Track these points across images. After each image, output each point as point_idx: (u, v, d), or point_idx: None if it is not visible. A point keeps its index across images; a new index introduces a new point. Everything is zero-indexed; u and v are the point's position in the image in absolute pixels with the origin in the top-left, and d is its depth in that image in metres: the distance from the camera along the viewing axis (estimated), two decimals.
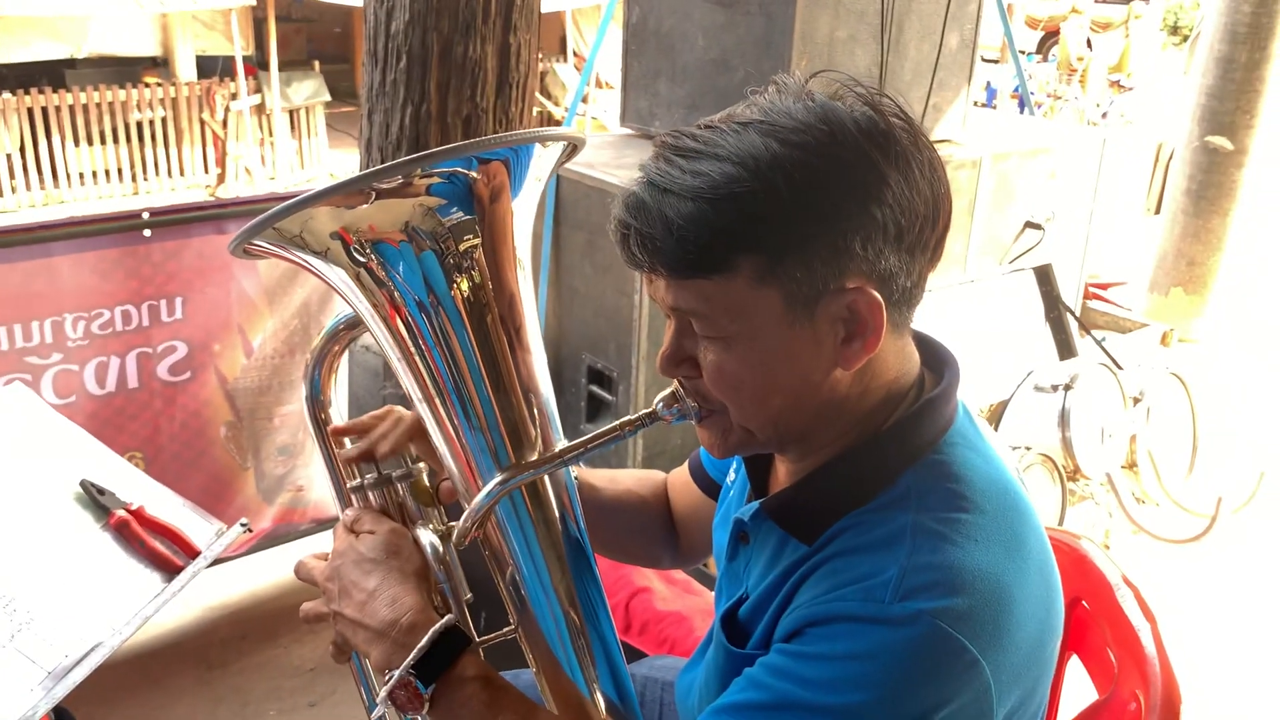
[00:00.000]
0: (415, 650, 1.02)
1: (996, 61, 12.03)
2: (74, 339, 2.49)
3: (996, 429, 3.03)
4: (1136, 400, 3.27)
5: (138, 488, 1.62)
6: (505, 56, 2.34)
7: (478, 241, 1.04)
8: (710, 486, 1.37)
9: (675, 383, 1.05)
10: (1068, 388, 3.03)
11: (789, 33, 3.31)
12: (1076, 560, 1.39)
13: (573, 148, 1.11)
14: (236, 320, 2.72)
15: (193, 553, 1.58)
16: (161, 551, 1.54)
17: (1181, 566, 3.29)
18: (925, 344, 1.09)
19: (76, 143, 8.37)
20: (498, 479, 1.05)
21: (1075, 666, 1.41)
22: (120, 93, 8.38)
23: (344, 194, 0.99)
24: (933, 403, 1.02)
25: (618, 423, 1.08)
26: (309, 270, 1.07)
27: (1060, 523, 2.90)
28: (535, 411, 1.11)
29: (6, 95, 8.06)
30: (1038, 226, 4.06)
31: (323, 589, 1.12)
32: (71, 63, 8.88)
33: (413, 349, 1.06)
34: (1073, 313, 3.84)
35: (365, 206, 0.99)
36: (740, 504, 1.19)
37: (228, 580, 2.98)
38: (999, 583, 0.93)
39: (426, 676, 1.02)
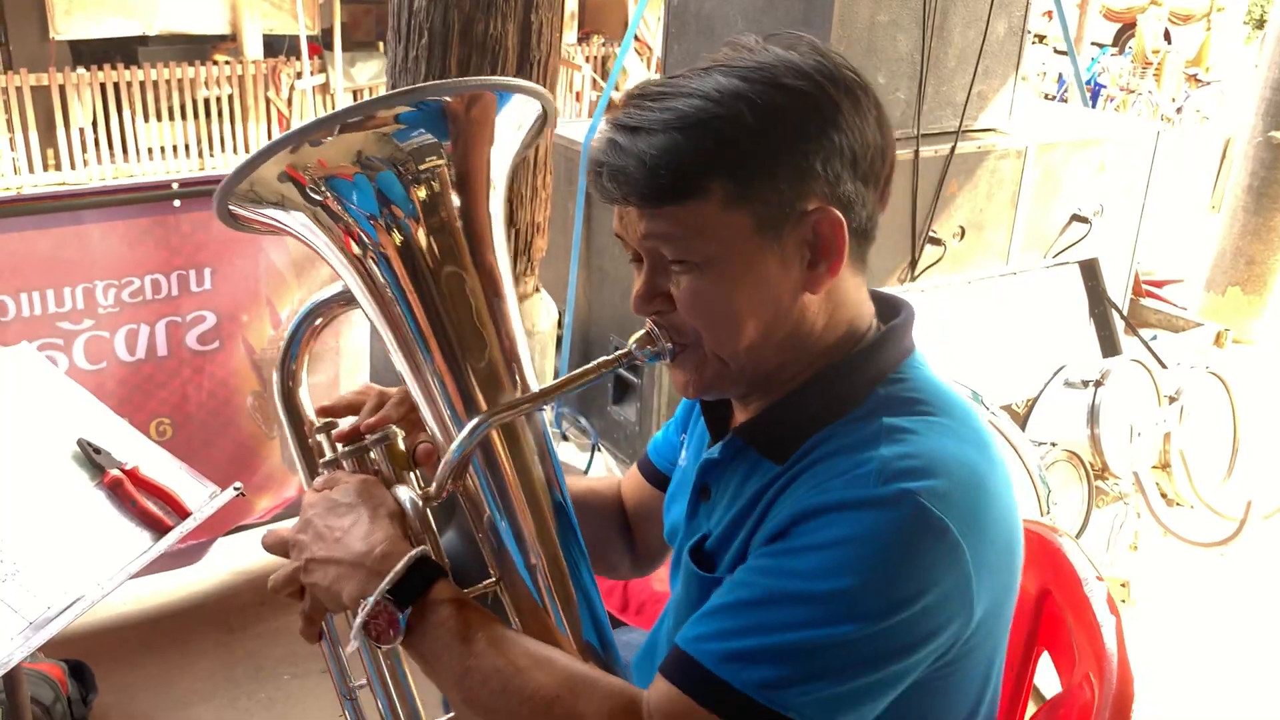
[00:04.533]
0: (390, 575, 1.01)
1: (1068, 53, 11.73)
2: (105, 306, 2.55)
3: (1024, 427, 2.97)
4: (1172, 399, 3.18)
5: (135, 449, 1.66)
6: (526, 34, 2.35)
7: (450, 194, 1.06)
8: (659, 479, 1.38)
9: (648, 323, 1.07)
10: (1098, 384, 2.96)
11: (828, 17, 3.27)
12: (1050, 553, 1.37)
13: (544, 114, 1.12)
14: (264, 292, 2.77)
15: (184, 514, 1.62)
16: (152, 511, 1.58)
17: (1208, 571, 3.21)
18: (879, 298, 1.14)
19: (146, 118, 8.57)
20: (475, 421, 1.04)
21: (1046, 664, 1.39)
22: (189, 70, 8.56)
23: (293, 146, 1.01)
24: (895, 329, 1.09)
25: (594, 363, 1.08)
26: (290, 234, 1.09)
27: (1085, 523, 2.84)
28: (510, 357, 1.11)
29: (81, 71, 8.28)
30: (1084, 220, 3.97)
31: (293, 544, 1.10)
32: (144, 40, 9.08)
33: (389, 296, 1.08)
34: (1118, 309, 3.75)
35: (330, 148, 1.01)
36: (697, 463, 1.20)
37: (251, 547, 3.04)
38: (975, 470, 0.98)
39: (402, 602, 1.01)
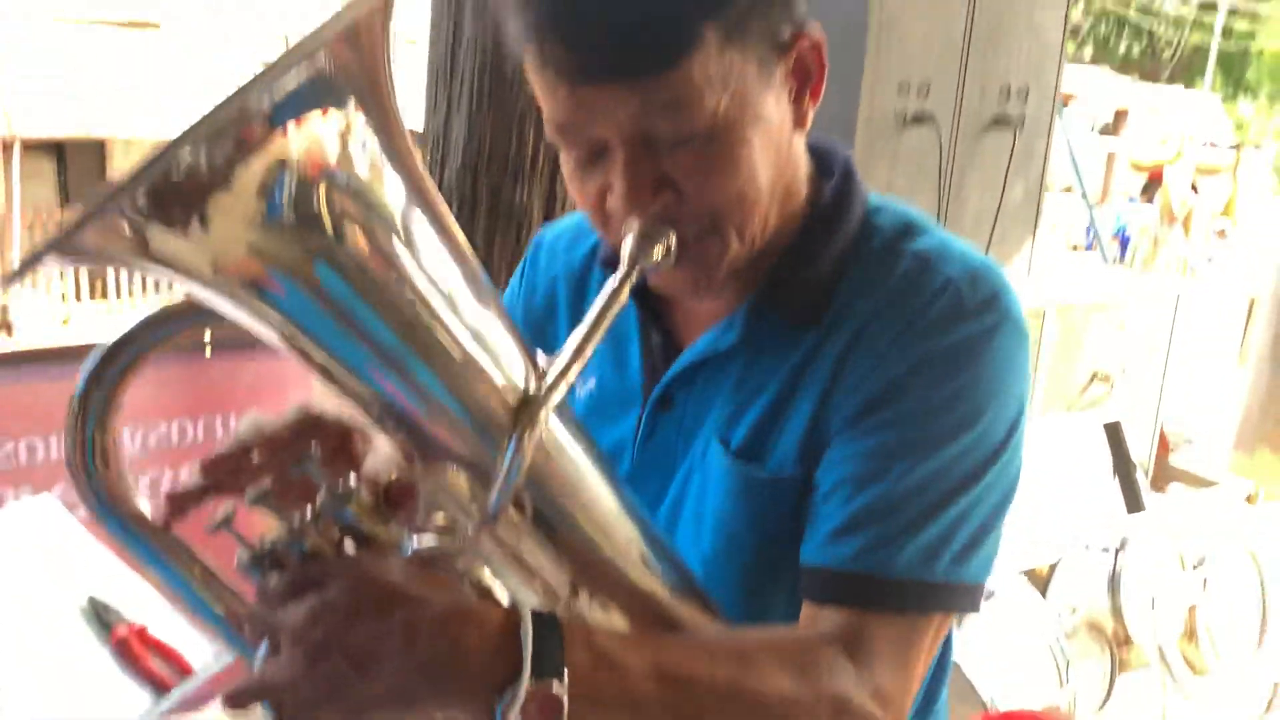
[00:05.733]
0: (526, 650, 0.74)
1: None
2: (130, 452, 2.60)
3: (1045, 594, 2.93)
4: (1196, 567, 3.13)
5: (146, 605, 1.68)
6: (550, 201, 2.44)
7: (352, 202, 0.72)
8: None
9: (636, 225, 0.87)
10: (1119, 550, 2.92)
11: None
12: None
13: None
14: None
15: (189, 673, 1.63)
16: (157, 671, 1.60)
17: None
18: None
19: None
20: (514, 441, 0.75)
21: None
22: None
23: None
24: (847, 162, 0.99)
25: (607, 292, 0.82)
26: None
27: (1108, 695, 2.77)
28: (509, 327, 0.82)
29: None
30: (1105, 379, 3.99)
31: (306, 683, 0.72)
32: None
33: (332, 308, 0.75)
34: (1142, 471, 3.73)
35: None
36: (630, 380, 1.06)
37: None
38: (996, 266, 0.95)
39: (552, 670, 0.74)
